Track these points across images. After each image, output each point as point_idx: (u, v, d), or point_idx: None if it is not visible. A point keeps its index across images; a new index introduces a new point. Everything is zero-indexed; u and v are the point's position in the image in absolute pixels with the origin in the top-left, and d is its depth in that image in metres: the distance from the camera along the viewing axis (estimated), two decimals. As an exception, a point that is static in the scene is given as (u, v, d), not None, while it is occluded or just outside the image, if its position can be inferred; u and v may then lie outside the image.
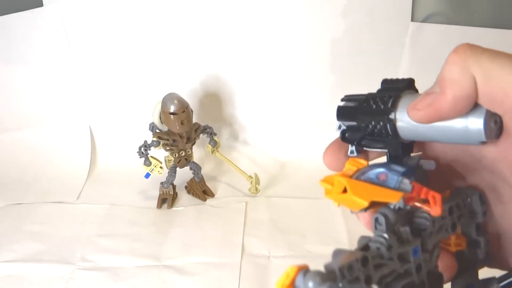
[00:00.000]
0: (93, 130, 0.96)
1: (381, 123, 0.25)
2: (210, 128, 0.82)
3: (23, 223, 0.78)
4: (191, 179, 0.85)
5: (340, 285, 0.20)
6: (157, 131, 0.78)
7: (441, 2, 0.84)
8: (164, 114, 0.74)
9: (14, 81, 0.93)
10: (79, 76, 0.92)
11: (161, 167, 0.80)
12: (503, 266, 0.26)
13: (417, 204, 0.23)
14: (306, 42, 0.87)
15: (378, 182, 0.23)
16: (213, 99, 0.93)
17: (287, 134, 0.94)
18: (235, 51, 0.89)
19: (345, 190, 0.23)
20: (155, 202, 0.83)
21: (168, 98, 0.74)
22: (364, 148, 0.27)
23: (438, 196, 0.22)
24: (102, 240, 0.73)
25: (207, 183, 0.85)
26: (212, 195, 0.85)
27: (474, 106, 0.22)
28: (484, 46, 0.21)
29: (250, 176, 0.82)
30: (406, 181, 0.23)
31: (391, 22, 0.85)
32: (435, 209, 0.22)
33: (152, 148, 0.79)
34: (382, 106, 0.25)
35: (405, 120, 0.24)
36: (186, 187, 0.86)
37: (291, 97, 0.92)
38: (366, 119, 0.25)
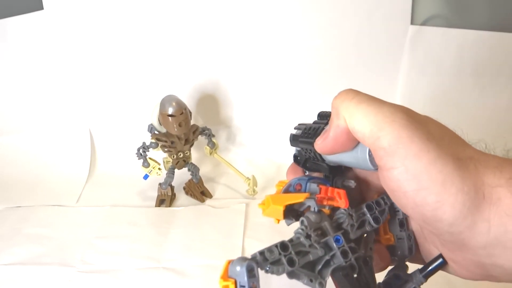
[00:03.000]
0: (92, 133, 0.96)
1: (312, 150, 0.30)
2: (208, 129, 0.83)
3: (23, 226, 0.78)
4: (189, 180, 0.85)
5: (267, 267, 0.24)
6: (156, 132, 0.78)
7: (441, 5, 0.84)
8: (162, 116, 0.75)
9: (13, 85, 0.93)
10: (78, 79, 0.92)
11: (159, 169, 0.80)
12: (417, 260, 0.30)
13: (327, 202, 0.28)
14: (305, 45, 0.87)
15: (295, 191, 0.29)
16: (211, 101, 0.93)
17: (285, 136, 0.94)
18: (233, 54, 0.89)
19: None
20: (154, 204, 0.83)
21: (166, 100, 0.75)
22: (307, 171, 0.32)
23: (342, 192, 0.27)
24: (101, 242, 0.73)
25: (205, 185, 0.86)
26: (210, 196, 0.85)
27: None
28: (363, 93, 0.26)
29: (247, 177, 0.83)
30: (313, 184, 0.28)
31: (391, 25, 0.85)
32: (341, 202, 0.27)
33: (150, 149, 0.79)
34: (311, 136, 0.30)
35: None
36: (184, 188, 0.86)
37: (288, 99, 0.92)
38: (304, 146, 0.31)
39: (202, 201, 0.84)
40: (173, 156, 0.80)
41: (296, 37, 0.87)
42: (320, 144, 0.28)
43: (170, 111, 0.74)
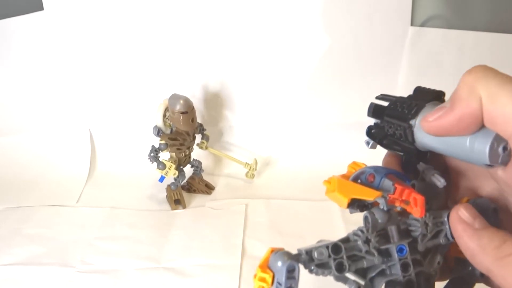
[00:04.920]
0: (92, 133, 0.96)
1: (401, 128, 0.26)
2: (201, 124, 0.85)
3: (23, 227, 0.78)
4: (191, 177, 0.86)
5: (311, 267, 0.22)
6: (163, 133, 0.79)
7: (441, 6, 0.85)
8: (174, 114, 0.76)
9: (13, 85, 0.93)
10: (78, 80, 0.92)
11: (175, 169, 0.80)
12: (491, 285, 0.25)
13: (400, 204, 0.24)
14: (305, 46, 0.88)
15: (365, 183, 0.25)
16: (211, 102, 0.93)
17: (287, 137, 0.94)
18: (232, 54, 0.89)
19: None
20: (155, 205, 0.83)
21: (175, 99, 0.76)
22: (383, 147, 0.28)
23: (420, 198, 0.23)
24: (101, 243, 0.73)
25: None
26: (213, 187, 0.87)
27: (484, 129, 0.22)
28: (496, 70, 0.22)
29: (246, 162, 0.86)
30: (388, 181, 0.24)
31: (391, 26, 0.85)
32: (416, 210, 0.23)
33: (161, 151, 0.79)
34: (406, 111, 0.26)
35: (421, 129, 0.25)
36: (184, 187, 0.86)
37: (290, 100, 0.92)
38: (390, 121, 0.27)
39: (210, 193, 0.86)
40: (182, 154, 0.81)
41: (295, 37, 0.87)
42: (433, 122, 0.24)
43: (183, 108, 0.75)
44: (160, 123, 0.78)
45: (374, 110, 0.28)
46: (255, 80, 0.91)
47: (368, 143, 0.29)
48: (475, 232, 0.23)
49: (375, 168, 0.26)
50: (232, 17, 0.86)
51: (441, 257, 0.25)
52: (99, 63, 0.91)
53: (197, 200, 0.84)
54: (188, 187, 0.86)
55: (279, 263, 0.22)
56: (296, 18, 0.86)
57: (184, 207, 0.82)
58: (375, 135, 0.28)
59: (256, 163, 0.87)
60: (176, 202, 0.82)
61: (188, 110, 0.76)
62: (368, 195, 0.24)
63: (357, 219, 0.85)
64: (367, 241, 0.23)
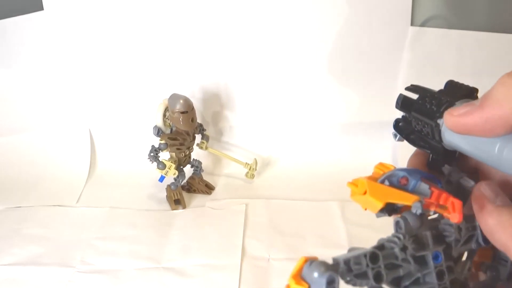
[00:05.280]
0: (92, 133, 0.96)
1: (428, 125, 0.25)
2: (201, 125, 0.85)
3: (22, 227, 0.78)
4: (191, 177, 0.86)
5: (348, 278, 0.21)
6: (163, 133, 0.79)
7: (441, 6, 0.85)
8: (173, 113, 0.76)
9: (13, 85, 0.93)
10: (78, 80, 0.92)
11: (175, 168, 0.80)
12: None
13: (436, 209, 0.23)
14: (305, 46, 0.87)
15: (398, 186, 0.24)
16: (211, 102, 0.93)
17: (287, 137, 0.94)
18: (232, 54, 0.89)
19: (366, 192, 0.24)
20: (155, 205, 0.83)
21: (175, 99, 0.76)
22: (409, 143, 0.27)
23: (458, 203, 0.22)
24: (101, 243, 0.73)
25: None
26: (213, 187, 0.87)
27: None
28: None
29: (246, 162, 0.86)
30: (425, 185, 0.23)
31: (391, 26, 0.85)
32: (454, 216, 0.22)
33: (160, 151, 0.79)
34: (434, 109, 0.25)
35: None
36: (184, 187, 0.86)
37: (290, 100, 0.92)
38: (417, 117, 0.26)
39: (210, 193, 0.86)
40: (182, 154, 0.81)
41: (295, 37, 0.87)
42: (458, 118, 0.22)
43: (183, 108, 0.75)
44: (160, 123, 0.78)
45: (402, 103, 0.27)
46: (255, 80, 0.91)
47: (395, 136, 0.28)
48: (496, 208, 0.22)
49: (409, 171, 0.24)
50: (232, 17, 0.86)
51: (471, 262, 0.24)
52: (99, 63, 0.91)
53: (197, 200, 0.84)
54: (188, 187, 0.86)
55: (316, 274, 0.20)
56: (296, 18, 0.86)
57: (184, 207, 0.82)
58: (402, 129, 0.27)
59: (256, 163, 0.87)
60: (176, 202, 0.82)
61: (188, 110, 0.76)
62: (405, 199, 0.23)
63: (358, 219, 0.85)
64: (404, 248, 0.22)
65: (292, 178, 0.90)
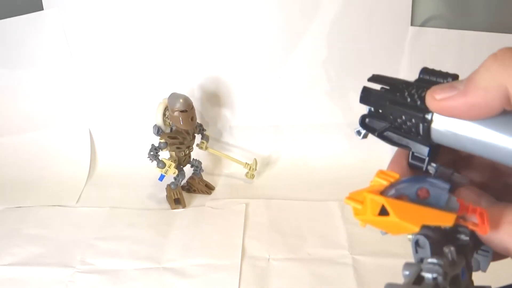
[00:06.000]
0: (92, 133, 0.96)
1: (413, 121, 0.22)
2: (201, 125, 0.85)
3: (23, 227, 0.78)
4: (191, 177, 0.86)
5: None
6: (163, 132, 0.79)
7: (441, 6, 0.85)
8: (173, 113, 0.76)
9: (13, 85, 0.93)
10: (78, 80, 0.92)
11: (175, 167, 0.80)
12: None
13: (464, 222, 0.20)
14: (305, 46, 0.87)
15: (419, 201, 0.20)
16: (211, 102, 0.93)
17: (287, 137, 0.94)
18: (232, 53, 0.89)
19: (383, 212, 0.20)
20: (155, 205, 0.83)
21: (175, 97, 0.76)
22: (383, 141, 0.24)
23: (485, 214, 0.20)
24: (101, 243, 0.73)
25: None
26: (213, 187, 0.87)
27: None
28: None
29: (246, 163, 0.86)
30: (454, 199, 0.20)
31: (391, 26, 0.85)
32: (482, 228, 0.19)
33: (160, 150, 0.79)
34: (418, 102, 0.22)
35: (443, 123, 0.21)
36: (184, 187, 0.86)
37: (290, 100, 0.92)
38: (396, 112, 0.23)
39: (210, 193, 0.86)
40: (182, 153, 0.81)
41: (295, 37, 0.87)
42: (441, 102, 0.21)
43: (183, 107, 0.75)
44: (159, 122, 0.78)
45: (370, 97, 0.24)
46: (255, 80, 0.91)
47: (359, 133, 0.25)
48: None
49: (423, 179, 0.21)
50: (232, 17, 0.86)
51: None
52: (99, 62, 0.91)
53: (197, 200, 0.84)
54: (188, 187, 0.86)
55: None
56: (296, 18, 0.86)
57: (184, 207, 0.82)
58: (371, 126, 0.24)
59: (256, 163, 0.87)
60: (176, 201, 0.82)
61: (188, 109, 0.76)
62: (443, 219, 0.19)
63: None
64: (445, 276, 0.18)
65: (292, 178, 0.90)
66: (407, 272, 0.19)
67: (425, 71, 0.23)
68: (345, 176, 0.89)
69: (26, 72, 0.92)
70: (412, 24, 0.85)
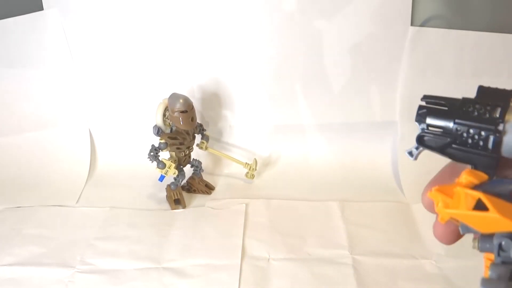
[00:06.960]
0: (92, 133, 0.96)
1: (483, 134, 0.22)
2: (201, 125, 0.85)
3: (22, 227, 0.78)
4: (191, 177, 0.86)
5: None
6: (164, 133, 0.79)
7: (441, 6, 0.85)
8: (173, 113, 0.76)
9: (14, 85, 0.93)
10: (78, 80, 0.92)
11: (175, 168, 0.80)
12: None
13: None
14: (305, 46, 0.87)
15: (509, 199, 0.20)
16: (211, 102, 0.93)
17: (287, 137, 0.94)
18: (232, 54, 0.89)
19: (478, 207, 0.20)
20: (155, 205, 0.83)
21: (175, 98, 0.76)
22: (447, 158, 0.24)
23: None
24: (101, 243, 0.73)
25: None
26: (213, 187, 0.87)
27: None
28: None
29: (246, 163, 0.86)
30: None
31: (391, 26, 0.85)
32: None
33: (160, 151, 0.79)
34: (487, 115, 0.22)
35: None
36: (184, 187, 0.86)
37: (290, 100, 0.92)
38: (464, 126, 0.23)
39: (210, 193, 0.86)
40: (182, 154, 0.81)
41: (295, 37, 0.87)
42: None
43: (183, 107, 0.75)
44: (160, 122, 0.78)
45: (432, 113, 0.24)
46: (255, 80, 0.91)
47: (411, 154, 0.25)
48: None
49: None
50: (232, 17, 0.86)
51: None
52: (99, 62, 0.91)
53: (197, 200, 0.85)
54: (188, 187, 0.86)
55: None
56: (296, 18, 0.86)
57: (184, 207, 0.82)
58: (431, 144, 0.24)
59: (256, 163, 0.87)
60: (176, 202, 0.82)
61: (188, 109, 0.76)
62: None
63: (358, 219, 0.85)
64: None
65: (292, 178, 0.90)
66: (494, 274, 0.19)
67: (481, 89, 0.24)
68: (345, 176, 0.89)
69: (26, 72, 0.92)
70: (412, 24, 0.85)
